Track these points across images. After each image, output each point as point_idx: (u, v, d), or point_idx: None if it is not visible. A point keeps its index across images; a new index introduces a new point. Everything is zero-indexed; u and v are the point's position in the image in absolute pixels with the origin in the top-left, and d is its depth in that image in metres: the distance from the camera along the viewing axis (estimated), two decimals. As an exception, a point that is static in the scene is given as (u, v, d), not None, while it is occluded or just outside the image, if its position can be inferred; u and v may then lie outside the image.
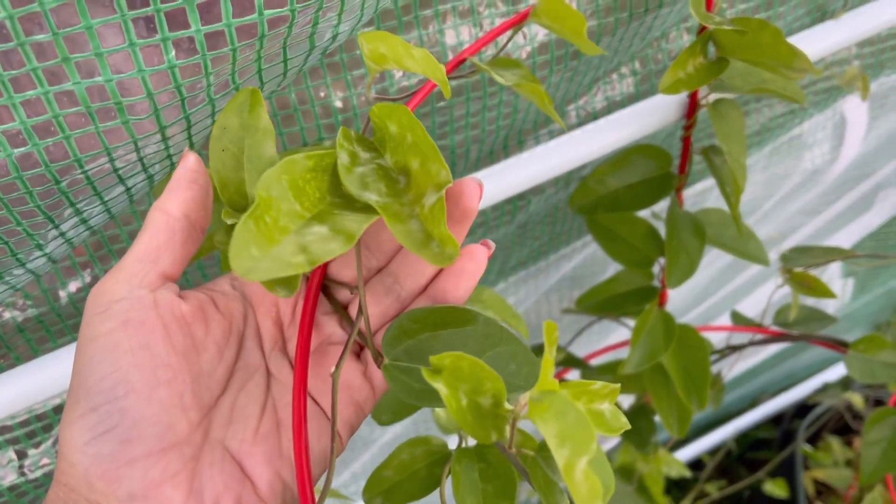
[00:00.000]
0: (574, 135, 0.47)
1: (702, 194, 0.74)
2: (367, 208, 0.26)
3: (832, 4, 0.54)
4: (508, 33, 0.37)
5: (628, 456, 0.79)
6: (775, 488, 1.23)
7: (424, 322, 0.29)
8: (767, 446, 1.47)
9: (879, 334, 0.60)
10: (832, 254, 0.60)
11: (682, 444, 1.42)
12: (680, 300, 0.91)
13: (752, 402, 1.52)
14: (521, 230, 0.60)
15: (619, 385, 0.26)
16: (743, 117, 0.47)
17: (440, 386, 0.24)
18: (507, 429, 0.24)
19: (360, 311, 0.29)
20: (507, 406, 0.24)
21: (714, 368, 0.74)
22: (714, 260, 0.89)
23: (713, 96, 0.48)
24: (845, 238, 1.01)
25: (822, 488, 1.28)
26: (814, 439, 1.39)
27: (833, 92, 0.72)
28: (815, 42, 0.53)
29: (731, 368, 0.89)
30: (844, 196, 0.89)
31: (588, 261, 0.70)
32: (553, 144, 0.47)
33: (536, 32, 0.44)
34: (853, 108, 0.76)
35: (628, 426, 0.26)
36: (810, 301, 0.93)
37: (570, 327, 0.74)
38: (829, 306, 1.13)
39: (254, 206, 0.24)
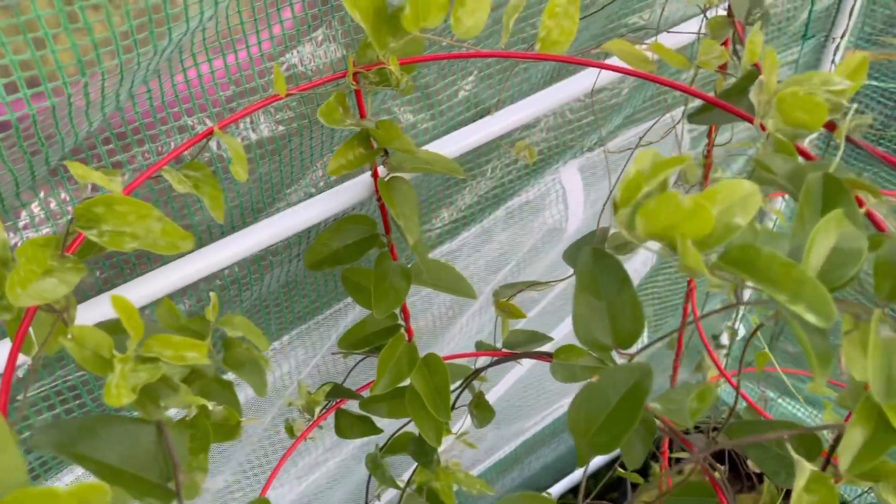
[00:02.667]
0: (293, 209, 0.65)
1: (458, 250, 0.92)
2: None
3: (487, 102, 0.75)
4: (203, 142, 0.54)
5: (424, 476, 0.93)
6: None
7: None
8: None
9: (576, 344, 0.78)
10: (526, 285, 0.78)
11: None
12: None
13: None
14: (287, 289, 0.75)
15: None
16: (412, 189, 0.65)
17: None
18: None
19: None
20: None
21: (478, 389, 0.90)
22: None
23: (389, 175, 0.66)
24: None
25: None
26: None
27: (547, 162, 0.93)
28: (479, 132, 0.73)
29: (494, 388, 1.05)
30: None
31: (361, 313, 0.86)
32: (276, 217, 0.64)
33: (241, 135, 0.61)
34: (568, 176, 0.97)
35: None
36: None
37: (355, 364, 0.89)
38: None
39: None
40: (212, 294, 0.57)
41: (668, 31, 0.74)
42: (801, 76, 0.47)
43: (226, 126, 0.55)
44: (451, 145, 0.72)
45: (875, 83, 1.13)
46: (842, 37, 1.00)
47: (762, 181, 0.44)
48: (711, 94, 0.54)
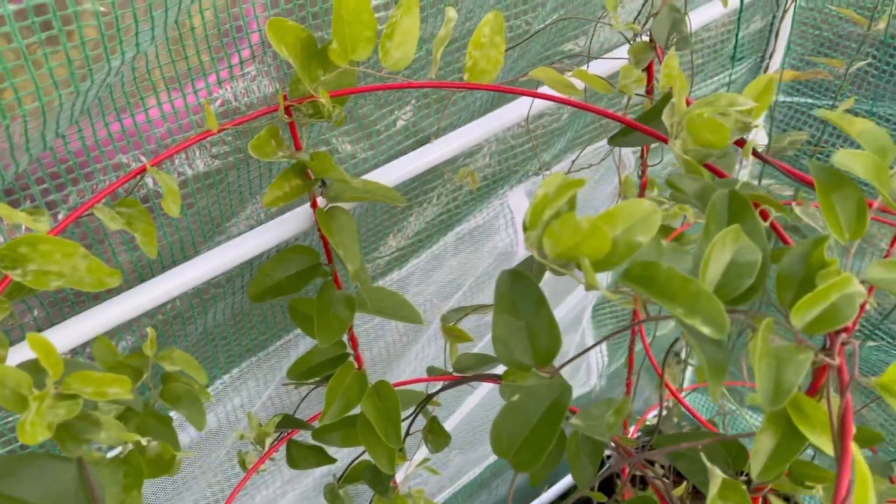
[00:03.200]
0: (232, 242, 0.65)
1: (408, 277, 0.93)
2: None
3: (427, 131, 0.76)
4: (137, 179, 0.55)
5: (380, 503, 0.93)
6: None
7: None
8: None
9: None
10: (472, 309, 0.79)
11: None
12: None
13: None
14: (235, 321, 0.76)
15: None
16: (351, 219, 0.66)
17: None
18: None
19: None
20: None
21: (432, 414, 0.90)
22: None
23: (329, 206, 0.67)
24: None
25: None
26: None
27: (493, 188, 0.94)
28: (419, 160, 0.74)
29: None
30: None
31: (311, 343, 0.86)
32: (216, 250, 0.65)
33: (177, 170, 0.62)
34: (516, 200, 0.98)
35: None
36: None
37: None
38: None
39: None
40: (149, 330, 0.57)
41: (601, 58, 0.77)
42: (710, 98, 0.49)
43: (159, 163, 0.56)
44: (391, 174, 0.73)
45: (809, 101, 1.17)
46: (771, 57, 1.03)
47: (677, 200, 0.46)
48: (631, 118, 0.56)
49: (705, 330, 0.33)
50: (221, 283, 0.69)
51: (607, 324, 1.43)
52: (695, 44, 1.07)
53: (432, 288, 0.95)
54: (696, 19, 0.94)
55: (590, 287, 0.35)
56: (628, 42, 0.67)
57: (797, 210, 1.03)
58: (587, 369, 1.46)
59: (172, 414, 0.75)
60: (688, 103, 0.53)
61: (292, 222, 0.67)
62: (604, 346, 1.46)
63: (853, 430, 0.35)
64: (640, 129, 0.55)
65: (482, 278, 1.02)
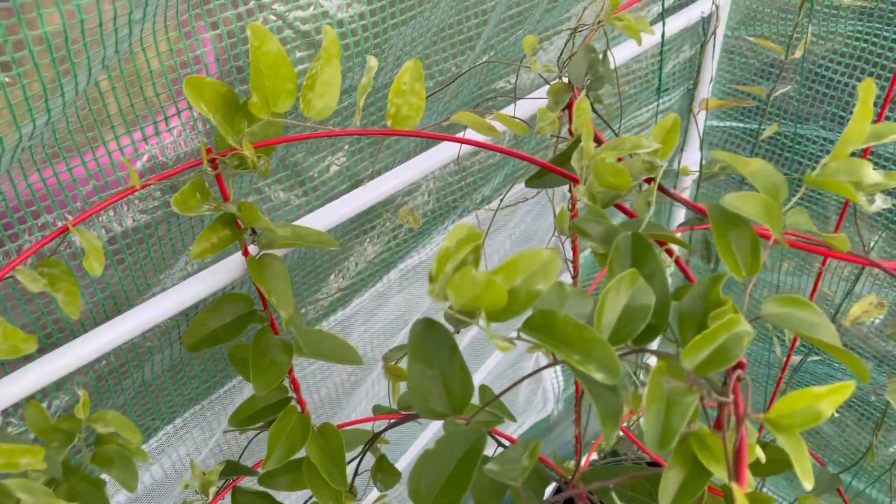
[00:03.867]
0: (166, 293, 0.65)
1: (353, 316, 0.94)
2: None
3: (362, 174, 0.77)
4: (61, 238, 0.55)
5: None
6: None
7: None
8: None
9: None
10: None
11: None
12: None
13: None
14: (174, 371, 0.75)
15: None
16: (283, 265, 0.67)
17: None
18: None
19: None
20: None
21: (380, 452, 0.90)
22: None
23: (261, 253, 0.67)
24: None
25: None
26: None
27: (434, 224, 0.96)
28: (352, 203, 0.75)
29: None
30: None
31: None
32: (147, 304, 0.65)
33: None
34: (458, 234, 1.00)
35: None
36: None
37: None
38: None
39: None
40: (81, 392, 0.57)
41: (526, 98, 0.79)
42: (615, 141, 0.51)
43: (83, 221, 0.56)
44: (326, 217, 0.74)
45: (739, 125, 1.21)
46: (696, 87, 1.07)
47: (585, 242, 0.48)
48: (545, 160, 0.58)
49: (598, 376, 0.34)
50: (156, 336, 0.69)
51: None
52: (626, 75, 1.11)
53: (379, 325, 0.96)
54: (625, 52, 0.97)
55: (497, 344, 0.36)
56: (547, 83, 0.69)
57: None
58: (543, 394, 1.47)
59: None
60: (600, 142, 0.55)
61: (225, 271, 0.68)
62: (559, 369, 1.48)
63: (747, 462, 0.36)
64: (555, 171, 0.56)
65: (428, 314, 1.03)
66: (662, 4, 0.90)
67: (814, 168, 0.45)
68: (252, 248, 0.67)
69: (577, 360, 0.35)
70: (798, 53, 0.90)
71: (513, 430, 1.44)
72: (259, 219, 0.61)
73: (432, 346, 0.43)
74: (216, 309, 0.69)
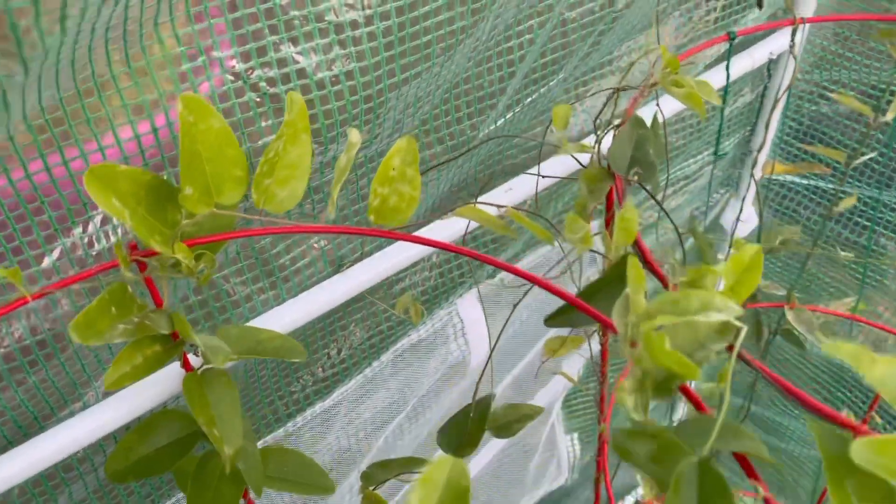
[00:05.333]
0: (81, 416, 0.52)
1: (335, 406, 0.79)
2: None
3: (348, 258, 0.63)
4: None
5: None
6: None
7: None
8: None
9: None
10: (402, 469, 0.65)
11: None
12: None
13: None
14: (101, 493, 0.62)
15: None
16: (232, 383, 0.52)
17: None
18: None
19: None
20: None
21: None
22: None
23: (204, 367, 0.53)
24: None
25: None
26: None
27: (436, 301, 0.81)
28: (335, 288, 0.61)
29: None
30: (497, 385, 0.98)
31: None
32: (58, 428, 0.51)
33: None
34: (466, 307, 0.85)
35: None
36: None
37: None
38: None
39: None
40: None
41: (549, 176, 0.63)
42: (676, 295, 0.35)
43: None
44: (299, 310, 0.59)
45: (804, 181, 1.04)
46: (760, 150, 0.91)
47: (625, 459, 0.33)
48: (573, 293, 0.43)
49: None
50: (73, 466, 0.55)
51: (579, 414, 1.29)
52: (673, 123, 0.95)
53: (367, 414, 0.81)
54: (673, 104, 0.81)
55: None
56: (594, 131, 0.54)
57: (789, 315, 0.90)
58: (558, 464, 1.32)
59: None
60: (643, 252, 0.40)
61: (161, 385, 0.54)
62: (575, 437, 1.33)
63: None
64: (584, 311, 0.41)
65: (428, 396, 0.88)
66: (728, 58, 0.74)
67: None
68: (194, 359, 0.53)
69: None
70: (889, 115, 0.74)
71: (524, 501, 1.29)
72: (190, 336, 0.47)
73: None
74: (148, 429, 0.55)
